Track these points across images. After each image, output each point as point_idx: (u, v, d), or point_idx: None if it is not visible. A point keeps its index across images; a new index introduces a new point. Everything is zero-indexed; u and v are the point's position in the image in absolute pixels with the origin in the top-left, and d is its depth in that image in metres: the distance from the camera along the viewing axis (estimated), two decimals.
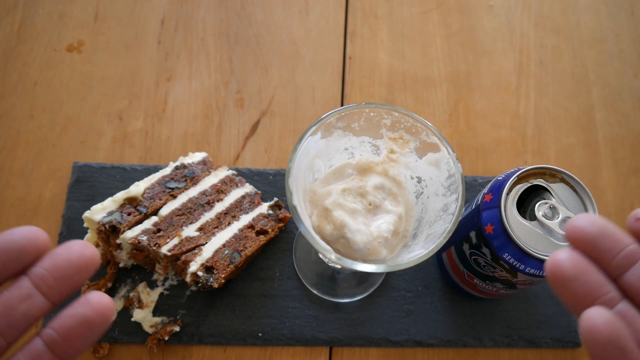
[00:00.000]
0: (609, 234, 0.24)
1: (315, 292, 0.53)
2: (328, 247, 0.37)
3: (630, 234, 0.25)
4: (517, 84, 0.66)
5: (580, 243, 0.24)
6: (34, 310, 0.24)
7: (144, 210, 0.50)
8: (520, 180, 0.41)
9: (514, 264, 0.39)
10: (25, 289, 0.23)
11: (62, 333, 0.23)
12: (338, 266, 0.44)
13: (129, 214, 0.49)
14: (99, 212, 0.48)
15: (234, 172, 0.56)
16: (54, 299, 0.24)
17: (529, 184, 0.41)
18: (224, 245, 0.50)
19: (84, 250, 0.24)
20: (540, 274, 0.39)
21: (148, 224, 0.49)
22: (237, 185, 0.55)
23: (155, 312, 0.51)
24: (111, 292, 0.51)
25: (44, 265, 0.24)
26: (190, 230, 0.50)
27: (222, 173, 0.55)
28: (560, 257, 0.24)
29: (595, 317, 0.22)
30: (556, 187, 0.41)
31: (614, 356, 0.22)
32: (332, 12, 0.69)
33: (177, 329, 0.50)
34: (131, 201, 0.50)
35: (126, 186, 0.51)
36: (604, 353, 0.22)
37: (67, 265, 0.24)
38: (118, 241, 0.48)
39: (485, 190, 0.44)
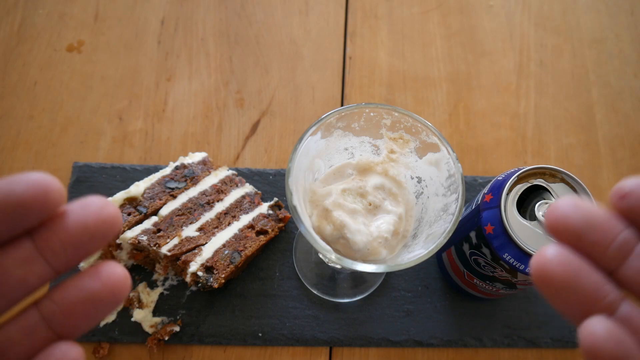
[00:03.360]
0: (597, 222, 0.21)
1: (315, 292, 0.53)
2: (328, 247, 0.37)
3: (617, 213, 0.21)
4: (517, 84, 0.66)
5: (565, 236, 0.21)
6: (32, 277, 0.19)
7: (144, 210, 0.50)
8: (520, 180, 0.41)
9: (514, 264, 0.39)
10: (25, 253, 0.19)
11: (63, 308, 0.20)
12: (338, 266, 0.44)
13: (129, 214, 0.49)
14: None
15: (234, 172, 0.56)
16: (59, 267, 0.20)
17: (529, 184, 0.41)
18: (224, 245, 0.50)
19: (102, 210, 0.20)
20: None
21: (148, 224, 0.49)
22: (237, 185, 0.55)
23: (155, 312, 0.51)
24: None
25: (52, 227, 0.19)
26: (190, 230, 0.50)
27: (222, 173, 0.55)
28: (547, 256, 0.21)
29: (596, 330, 0.19)
30: (556, 187, 0.41)
31: None
32: (332, 12, 0.69)
33: (177, 329, 0.50)
34: (131, 201, 0.50)
35: (126, 186, 0.51)
36: None
37: (80, 230, 0.19)
38: (118, 241, 0.48)
39: (485, 190, 0.44)
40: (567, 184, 0.41)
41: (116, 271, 0.20)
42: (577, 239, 0.21)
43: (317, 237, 0.37)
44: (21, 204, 0.18)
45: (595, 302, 0.20)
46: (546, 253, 0.21)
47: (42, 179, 0.18)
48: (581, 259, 0.21)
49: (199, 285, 0.47)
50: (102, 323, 0.50)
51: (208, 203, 0.52)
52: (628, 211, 0.21)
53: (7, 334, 0.20)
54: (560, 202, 0.21)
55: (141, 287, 0.51)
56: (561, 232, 0.21)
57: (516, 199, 0.41)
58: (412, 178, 0.44)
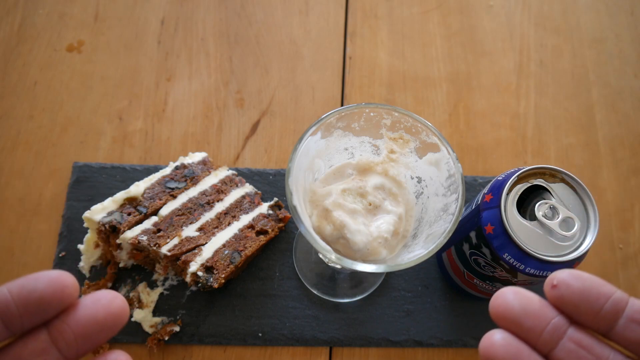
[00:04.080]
0: (532, 309, 0.24)
1: (315, 292, 0.53)
2: (328, 247, 0.37)
3: (549, 301, 0.24)
4: (517, 84, 0.66)
5: (505, 322, 0.24)
6: None
7: (144, 210, 0.50)
8: (520, 180, 0.41)
9: (514, 264, 0.39)
10: (41, 344, 0.21)
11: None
12: (338, 266, 0.44)
13: (129, 214, 0.49)
14: (99, 212, 0.48)
15: (234, 172, 0.56)
16: (71, 356, 0.22)
17: (529, 184, 0.41)
18: (224, 245, 0.50)
19: (111, 304, 0.22)
20: (540, 274, 0.39)
21: (148, 224, 0.49)
22: (237, 185, 0.55)
23: (155, 312, 0.51)
24: None
25: (66, 319, 0.21)
26: (190, 230, 0.50)
27: (222, 173, 0.55)
28: (493, 339, 0.24)
29: (491, 337, 0.23)
30: (556, 187, 0.41)
31: None
32: (332, 12, 0.69)
33: (177, 329, 0.50)
34: (131, 201, 0.50)
35: (126, 186, 0.51)
36: None
37: (91, 323, 0.21)
38: (118, 241, 0.48)
39: (485, 190, 0.44)
40: (567, 184, 0.41)
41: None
42: (516, 325, 0.24)
43: (317, 237, 0.37)
44: (43, 299, 0.21)
45: None
46: (492, 336, 0.24)
47: (60, 276, 0.21)
48: (521, 342, 0.24)
49: (199, 285, 0.47)
50: None
51: (208, 203, 0.52)
52: (559, 300, 0.24)
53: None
54: (504, 290, 0.24)
55: (141, 287, 0.51)
56: (503, 318, 0.24)
57: (516, 199, 0.41)
58: (412, 178, 0.44)
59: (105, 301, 0.22)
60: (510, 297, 0.24)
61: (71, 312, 0.22)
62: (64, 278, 0.21)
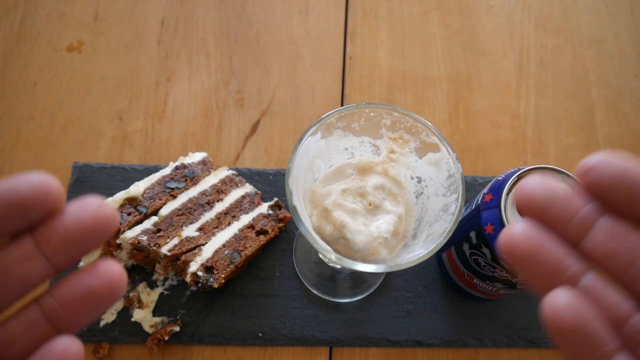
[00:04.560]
0: (560, 197, 0.21)
1: (315, 292, 0.53)
2: (328, 247, 0.37)
3: (582, 187, 0.22)
4: (517, 84, 0.66)
5: (530, 210, 0.22)
6: (34, 274, 0.20)
7: (144, 210, 0.50)
8: (520, 180, 0.41)
9: None
10: (26, 250, 0.20)
11: (63, 303, 0.21)
12: (338, 266, 0.44)
13: (129, 214, 0.49)
14: None
15: (234, 172, 0.56)
16: (59, 265, 0.21)
17: None
18: (224, 245, 0.50)
19: (100, 210, 0.20)
20: None
21: (148, 224, 0.49)
22: (237, 185, 0.55)
23: (155, 312, 0.51)
24: None
25: (52, 225, 0.20)
26: (190, 230, 0.50)
27: (222, 173, 0.55)
28: (514, 231, 0.21)
29: (558, 302, 0.20)
30: None
31: (581, 347, 0.20)
32: (332, 12, 0.69)
33: (177, 329, 0.50)
34: (131, 201, 0.50)
35: (126, 186, 0.51)
36: (570, 343, 0.20)
37: (78, 228, 0.20)
38: (118, 241, 0.48)
39: (485, 190, 0.44)
40: (567, 184, 0.41)
41: (113, 268, 0.21)
42: (541, 213, 0.21)
43: (317, 237, 0.37)
44: (25, 201, 0.19)
45: (558, 274, 0.21)
46: (513, 228, 0.21)
47: (43, 179, 0.19)
48: (545, 233, 0.21)
49: (199, 285, 0.47)
50: (102, 323, 0.50)
51: (208, 203, 0.52)
52: (592, 185, 0.21)
53: (8, 329, 0.20)
54: (527, 179, 0.22)
55: (141, 287, 0.51)
56: (527, 207, 0.22)
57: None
58: (412, 178, 0.44)
59: (93, 207, 0.21)
60: (536, 185, 0.22)
61: (57, 217, 0.20)
62: (48, 181, 0.20)
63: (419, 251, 0.37)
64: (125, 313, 0.51)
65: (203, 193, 0.53)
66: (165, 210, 0.50)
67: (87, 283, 0.21)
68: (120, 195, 0.50)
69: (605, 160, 0.21)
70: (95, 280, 0.21)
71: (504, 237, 0.22)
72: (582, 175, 0.22)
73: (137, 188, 0.50)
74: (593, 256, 0.21)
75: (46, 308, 0.21)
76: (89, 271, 0.21)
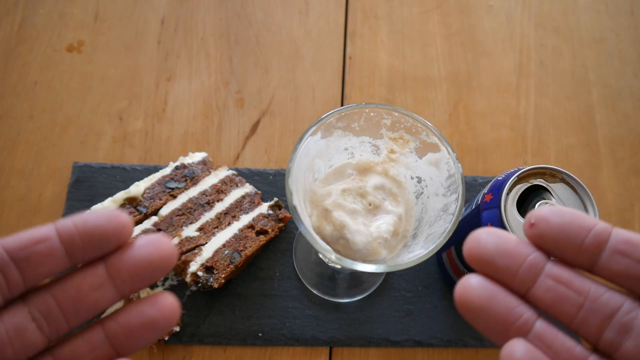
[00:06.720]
0: (507, 248, 0.22)
1: (315, 292, 0.53)
2: (328, 248, 0.37)
3: (528, 240, 0.23)
4: (517, 84, 0.66)
5: (480, 265, 0.23)
6: (103, 300, 0.23)
7: (144, 210, 0.50)
8: (520, 180, 0.41)
9: None
10: (99, 278, 0.22)
11: (125, 329, 0.23)
12: (338, 266, 0.44)
13: (129, 214, 0.49)
14: None
15: (234, 172, 0.56)
16: (124, 293, 0.23)
17: (529, 184, 0.41)
18: (224, 245, 0.50)
19: (164, 247, 0.23)
20: None
21: (148, 224, 0.49)
22: (237, 185, 0.55)
23: None
24: None
25: (122, 257, 0.23)
26: (190, 230, 0.50)
27: (222, 173, 0.55)
28: (467, 284, 0.23)
29: (515, 351, 0.22)
30: (556, 187, 0.41)
31: None
32: (332, 12, 0.69)
33: (177, 329, 0.50)
34: (131, 201, 0.50)
35: (126, 186, 0.51)
36: None
37: (145, 263, 0.22)
38: None
39: (485, 190, 0.44)
40: (567, 184, 0.41)
41: (170, 300, 0.23)
42: (491, 266, 0.23)
43: (317, 237, 0.37)
44: (104, 233, 0.22)
45: (510, 323, 0.22)
46: (466, 282, 0.23)
47: (119, 214, 0.22)
48: (496, 285, 0.23)
49: (199, 285, 0.47)
50: None
51: (208, 203, 0.52)
52: (537, 237, 0.23)
53: (76, 347, 0.23)
54: (476, 233, 0.23)
55: None
56: (476, 261, 0.23)
57: (516, 199, 0.41)
58: (412, 178, 0.44)
59: (158, 243, 0.23)
60: (484, 238, 0.23)
61: (127, 250, 0.23)
62: (122, 216, 0.22)
63: (419, 251, 0.37)
64: None
65: (203, 193, 0.53)
66: (165, 210, 0.50)
67: (148, 313, 0.23)
68: (120, 195, 0.50)
69: (547, 213, 0.22)
70: (154, 310, 0.23)
71: (457, 291, 0.23)
72: (527, 229, 0.23)
73: (137, 188, 0.51)
74: (542, 303, 0.23)
75: (110, 332, 0.23)
76: (150, 302, 0.23)
